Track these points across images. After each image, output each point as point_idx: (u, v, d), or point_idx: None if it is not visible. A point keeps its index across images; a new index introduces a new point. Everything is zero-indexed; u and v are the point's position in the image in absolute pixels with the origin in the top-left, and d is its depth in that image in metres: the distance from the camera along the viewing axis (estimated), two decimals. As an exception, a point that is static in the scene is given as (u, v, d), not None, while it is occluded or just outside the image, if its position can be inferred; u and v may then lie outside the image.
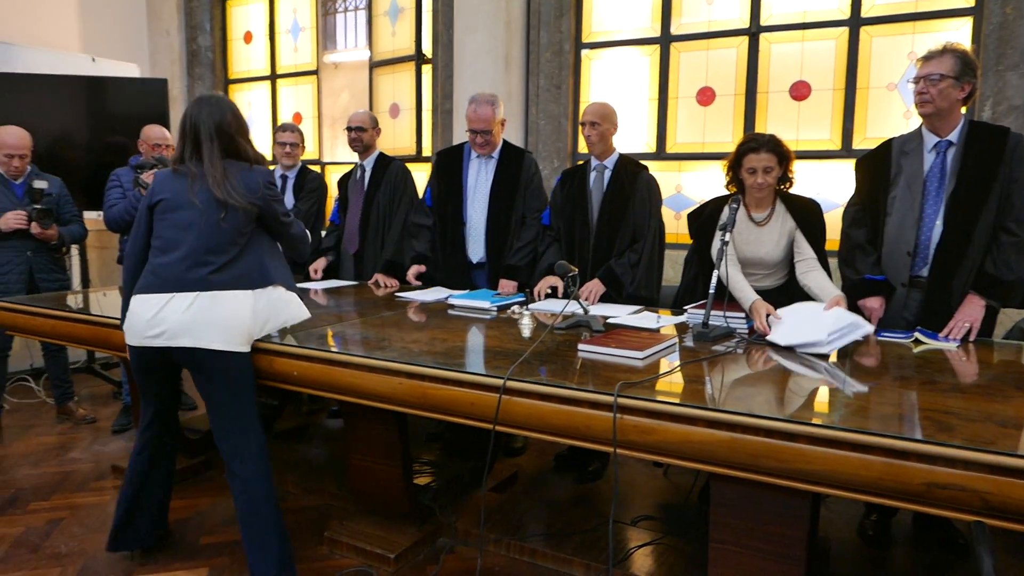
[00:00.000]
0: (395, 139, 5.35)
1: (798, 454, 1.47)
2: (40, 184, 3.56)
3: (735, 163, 2.62)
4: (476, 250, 3.33)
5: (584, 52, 4.73)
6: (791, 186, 2.68)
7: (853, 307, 2.54)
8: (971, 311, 2.35)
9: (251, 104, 6.45)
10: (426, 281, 3.42)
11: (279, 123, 6.23)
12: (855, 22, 3.98)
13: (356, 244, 3.72)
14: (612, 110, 3.09)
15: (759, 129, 4.23)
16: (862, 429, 1.43)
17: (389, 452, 2.39)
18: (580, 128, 3.11)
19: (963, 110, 2.45)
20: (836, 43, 4.05)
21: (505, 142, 3.35)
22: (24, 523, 2.67)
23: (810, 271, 2.59)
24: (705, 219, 2.81)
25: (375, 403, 2.06)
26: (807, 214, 2.66)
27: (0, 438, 3.59)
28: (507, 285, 3.17)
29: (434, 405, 1.94)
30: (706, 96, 4.40)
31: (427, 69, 5.20)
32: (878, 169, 2.58)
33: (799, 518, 1.69)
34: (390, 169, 3.69)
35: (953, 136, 2.43)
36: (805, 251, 2.62)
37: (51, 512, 2.75)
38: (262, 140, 6.41)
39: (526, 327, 2.48)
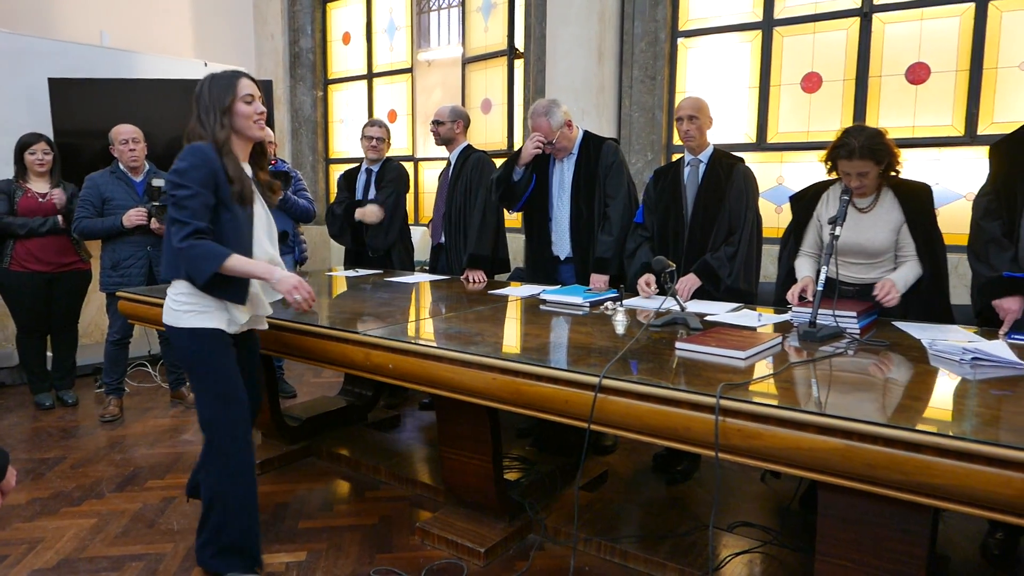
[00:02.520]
0: (487, 134, 5.38)
1: (923, 466, 1.35)
2: (158, 182, 3.79)
3: (831, 162, 2.51)
4: (562, 246, 3.30)
5: (680, 41, 4.58)
6: (898, 173, 2.52)
7: (987, 307, 2.33)
8: (1124, 313, 2.10)
9: (348, 103, 6.65)
10: (515, 277, 3.42)
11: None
12: (983, -3, 3.65)
13: (440, 236, 3.80)
14: (707, 103, 2.99)
15: (871, 117, 3.96)
16: (1000, 442, 1.29)
17: (480, 446, 2.39)
18: (676, 123, 3.01)
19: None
20: (960, 20, 3.74)
21: (587, 134, 3.29)
22: (142, 500, 2.85)
23: (897, 266, 2.54)
24: (806, 201, 2.74)
25: (468, 398, 2.06)
26: (916, 203, 2.51)
27: (121, 419, 3.86)
28: (598, 280, 3.11)
29: (528, 402, 1.92)
30: (812, 82, 4.17)
31: (519, 63, 5.20)
32: (1018, 154, 2.35)
33: (920, 535, 1.56)
34: (468, 161, 3.71)
35: (1107, 117, 2.18)
36: (906, 247, 2.53)
37: (165, 491, 2.93)
38: (357, 139, 6.61)
39: (620, 324, 2.42)
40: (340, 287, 3.46)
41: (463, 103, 5.57)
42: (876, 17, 3.95)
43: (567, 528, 2.47)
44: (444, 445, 2.51)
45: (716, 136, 3.10)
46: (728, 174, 2.95)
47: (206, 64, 5.55)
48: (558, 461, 2.87)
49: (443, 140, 3.77)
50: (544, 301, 2.87)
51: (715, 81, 4.46)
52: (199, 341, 2.12)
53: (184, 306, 2.12)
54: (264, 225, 2.25)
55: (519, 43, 5.18)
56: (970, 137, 3.72)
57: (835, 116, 4.10)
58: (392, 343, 2.20)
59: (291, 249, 4.09)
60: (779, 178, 4.31)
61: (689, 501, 2.78)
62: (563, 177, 3.30)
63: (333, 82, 6.73)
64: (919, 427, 1.38)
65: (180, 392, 4.15)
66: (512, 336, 2.31)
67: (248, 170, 2.22)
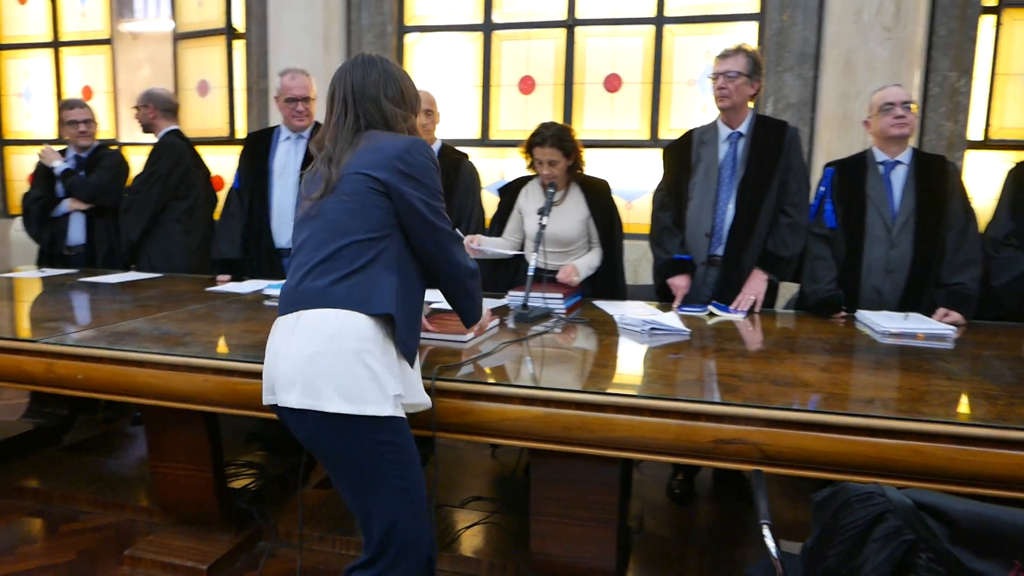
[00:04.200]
0: (204, 119, 4.95)
1: (606, 423, 1.55)
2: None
3: (529, 151, 2.78)
4: (284, 233, 3.14)
5: (409, 36, 4.65)
6: (582, 170, 2.85)
7: (664, 284, 2.74)
8: (755, 285, 2.62)
9: (28, 74, 5.66)
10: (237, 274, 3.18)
11: (64, 98, 5.57)
12: (659, 20, 4.26)
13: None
14: (435, 98, 3.10)
15: (576, 119, 4.42)
16: (659, 395, 1.54)
17: (198, 456, 2.20)
18: None
19: (750, 104, 2.70)
20: (644, 40, 4.32)
21: (316, 122, 3.21)
22: None
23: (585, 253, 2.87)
24: (510, 193, 3.00)
25: (178, 404, 1.89)
26: (598, 197, 2.85)
27: None
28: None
29: (246, 402, 1.82)
30: (527, 85, 4.51)
31: (239, 44, 4.86)
32: (681, 157, 2.79)
33: (611, 484, 1.79)
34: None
35: (743, 128, 2.68)
36: (594, 236, 2.85)
37: None
38: (43, 116, 5.66)
39: (347, 315, 2.40)
40: (27, 291, 2.94)
41: (175, 83, 5.06)
42: (579, 30, 4.40)
43: (299, 529, 2.39)
44: (155, 460, 2.27)
45: (445, 131, 3.22)
46: (456, 169, 3.08)
47: None
48: (291, 462, 2.77)
49: (144, 127, 3.48)
50: (269, 297, 2.73)
51: (442, 78, 4.61)
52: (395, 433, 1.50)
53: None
54: None
55: (238, 22, 4.84)
56: (654, 141, 4.32)
57: (548, 117, 4.47)
58: (82, 351, 1.94)
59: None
60: (502, 173, 4.60)
61: (427, 485, 2.86)
62: (288, 160, 3.14)
63: (7, 48, 5.67)
64: (602, 389, 1.59)
65: None
66: (228, 334, 2.17)
67: None
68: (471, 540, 2.36)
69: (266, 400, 1.53)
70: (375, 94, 1.54)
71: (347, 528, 2.40)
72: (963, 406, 1.58)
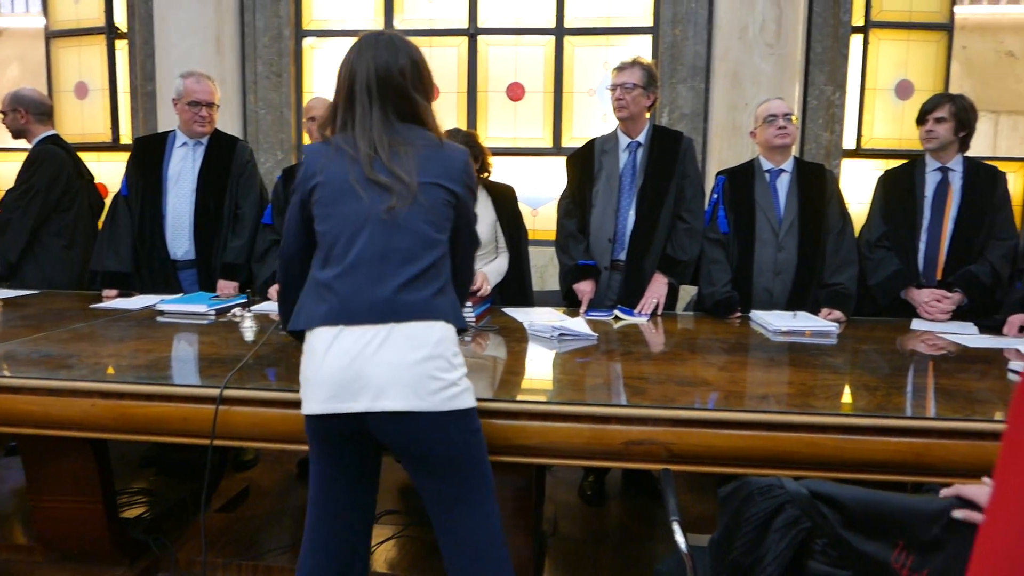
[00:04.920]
0: (83, 123, 4.62)
1: (519, 431, 1.56)
2: None
3: None
4: (181, 244, 2.97)
5: (308, 40, 4.53)
6: (488, 176, 2.88)
7: (569, 291, 2.80)
8: (657, 288, 2.72)
9: None
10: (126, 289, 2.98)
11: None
12: (559, 31, 4.36)
13: None
14: None
15: (481, 127, 4.44)
16: (570, 401, 1.57)
17: (85, 487, 2.05)
18: (308, 123, 2.98)
19: (647, 115, 2.81)
20: (545, 49, 4.41)
21: (215, 129, 3.07)
22: None
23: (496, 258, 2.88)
24: None
25: (61, 432, 1.75)
26: (504, 202, 2.88)
27: None
28: (227, 286, 2.91)
29: (139, 426, 1.71)
30: (430, 92, 4.50)
31: (122, 44, 4.58)
32: (584, 165, 2.87)
33: (526, 490, 1.81)
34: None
35: (641, 138, 2.78)
36: (499, 243, 2.87)
37: None
38: None
39: (248, 330, 2.30)
40: None
41: (49, 83, 4.70)
42: (481, 39, 4.43)
43: (201, 557, 2.27)
44: (36, 493, 2.09)
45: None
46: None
47: None
48: (190, 486, 2.62)
49: (15, 133, 3.20)
50: (162, 312, 2.58)
51: (343, 83, 4.52)
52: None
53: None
54: None
55: (120, 21, 4.56)
56: (557, 149, 4.41)
57: (452, 124, 4.47)
58: (-55, 378, 1.76)
59: None
60: (408, 180, 4.56)
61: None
62: (183, 167, 2.97)
63: None
64: (513, 397, 1.60)
65: None
66: (118, 354, 2.03)
67: None
68: (386, 554, 2.32)
69: (329, 407, 1.39)
70: (402, 84, 1.46)
71: (254, 553, 2.30)
72: (847, 397, 1.70)
